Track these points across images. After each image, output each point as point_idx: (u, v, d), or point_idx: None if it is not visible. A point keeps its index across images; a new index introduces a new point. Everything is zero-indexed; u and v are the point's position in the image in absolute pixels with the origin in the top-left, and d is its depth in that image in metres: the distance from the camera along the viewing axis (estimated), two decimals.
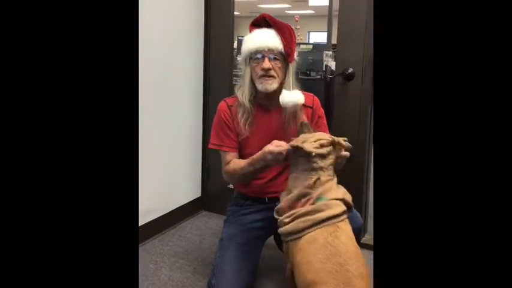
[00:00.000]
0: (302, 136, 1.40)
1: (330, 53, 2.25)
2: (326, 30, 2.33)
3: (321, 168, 1.33)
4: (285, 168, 1.62)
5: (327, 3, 2.27)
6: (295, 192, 1.34)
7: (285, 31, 1.52)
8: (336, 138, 1.38)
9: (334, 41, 2.22)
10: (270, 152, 1.39)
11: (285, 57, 1.53)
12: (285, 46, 1.51)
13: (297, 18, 4.72)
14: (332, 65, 2.19)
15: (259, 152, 1.45)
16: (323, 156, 1.33)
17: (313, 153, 1.31)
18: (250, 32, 1.59)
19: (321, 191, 1.31)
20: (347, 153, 1.40)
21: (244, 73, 1.58)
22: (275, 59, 1.51)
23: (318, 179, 1.32)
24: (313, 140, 1.35)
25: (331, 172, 1.36)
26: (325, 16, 2.31)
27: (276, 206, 1.61)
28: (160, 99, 2.24)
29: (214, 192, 2.65)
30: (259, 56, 1.52)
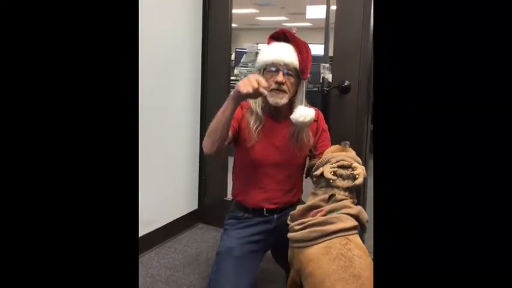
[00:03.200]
0: (328, 154, 1.48)
1: (327, 65, 2.26)
2: (323, 42, 2.35)
3: (338, 187, 1.39)
4: (286, 181, 1.64)
5: (324, 16, 2.28)
6: (310, 202, 1.40)
7: (302, 48, 1.54)
8: (356, 167, 1.42)
9: (331, 53, 2.23)
10: (241, 83, 1.36)
11: (298, 74, 1.54)
12: (300, 63, 1.52)
13: (294, 31, 4.75)
14: (329, 77, 2.20)
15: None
16: (342, 177, 1.40)
17: (330, 180, 1.39)
18: (268, 44, 1.61)
19: (334, 205, 1.36)
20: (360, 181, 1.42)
21: None
22: (289, 74, 1.53)
23: (333, 195, 1.37)
24: (335, 161, 1.42)
25: (348, 193, 1.41)
26: (322, 28, 2.33)
27: (274, 219, 1.62)
28: (158, 111, 2.24)
29: (212, 205, 2.63)
30: (273, 68, 1.53)
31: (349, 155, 1.46)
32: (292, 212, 1.46)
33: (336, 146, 1.54)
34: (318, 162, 1.47)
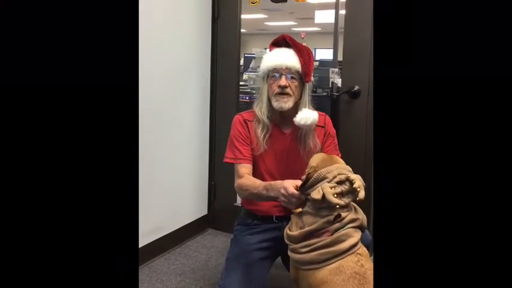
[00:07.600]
0: (319, 172, 1.31)
1: (336, 70, 2.25)
2: (332, 47, 2.35)
3: (342, 207, 1.28)
4: None
5: (333, 21, 2.28)
6: (313, 226, 1.29)
7: (303, 52, 1.55)
8: (354, 178, 1.28)
9: (340, 57, 2.23)
10: (283, 195, 1.36)
11: (302, 77, 1.54)
12: (302, 66, 1.53)
13: (303, 36, 4.75)
14: (338, 82, 2.19)
15: (278, 182, 1.43)
16: (342, 194, 1.28)
17: (338, 206, 1.25)
18: (270, 50, 1.61)
19: (340, 223, 1.28)
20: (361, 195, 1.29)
21: (262, 90, 1.60)
22: (292, 78, 1.53)
23: (339, 215, 1.28)
24: (332, 177, 1.28)
25: (349, 206, 1.31)
26: (331, 33, 2.33)
27: (283, 225, 1.60)
28: (168, 116, 2.25)
29: (221, 210, 2.63)
30: (276, 74, 1.54)
31: (342, 167, 1.33)
32: (289, 233, 1.35)
33: (321, 155, 1.41)
34: (311, 178, 1.31)
